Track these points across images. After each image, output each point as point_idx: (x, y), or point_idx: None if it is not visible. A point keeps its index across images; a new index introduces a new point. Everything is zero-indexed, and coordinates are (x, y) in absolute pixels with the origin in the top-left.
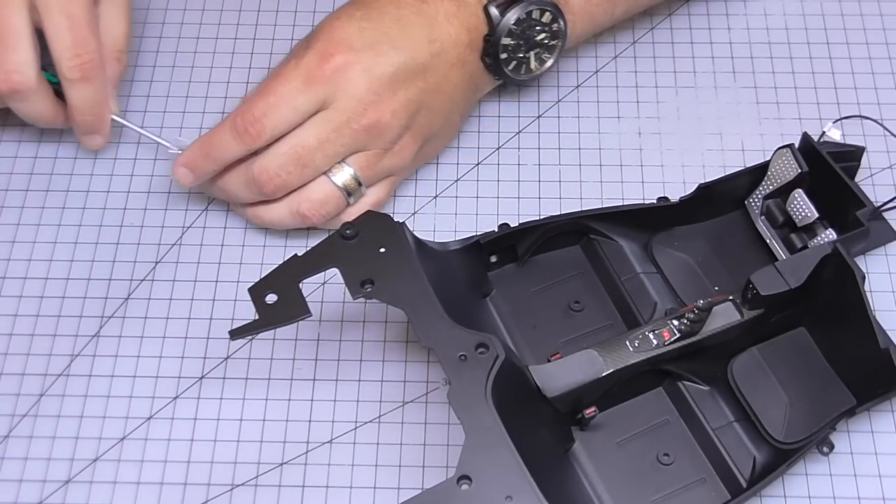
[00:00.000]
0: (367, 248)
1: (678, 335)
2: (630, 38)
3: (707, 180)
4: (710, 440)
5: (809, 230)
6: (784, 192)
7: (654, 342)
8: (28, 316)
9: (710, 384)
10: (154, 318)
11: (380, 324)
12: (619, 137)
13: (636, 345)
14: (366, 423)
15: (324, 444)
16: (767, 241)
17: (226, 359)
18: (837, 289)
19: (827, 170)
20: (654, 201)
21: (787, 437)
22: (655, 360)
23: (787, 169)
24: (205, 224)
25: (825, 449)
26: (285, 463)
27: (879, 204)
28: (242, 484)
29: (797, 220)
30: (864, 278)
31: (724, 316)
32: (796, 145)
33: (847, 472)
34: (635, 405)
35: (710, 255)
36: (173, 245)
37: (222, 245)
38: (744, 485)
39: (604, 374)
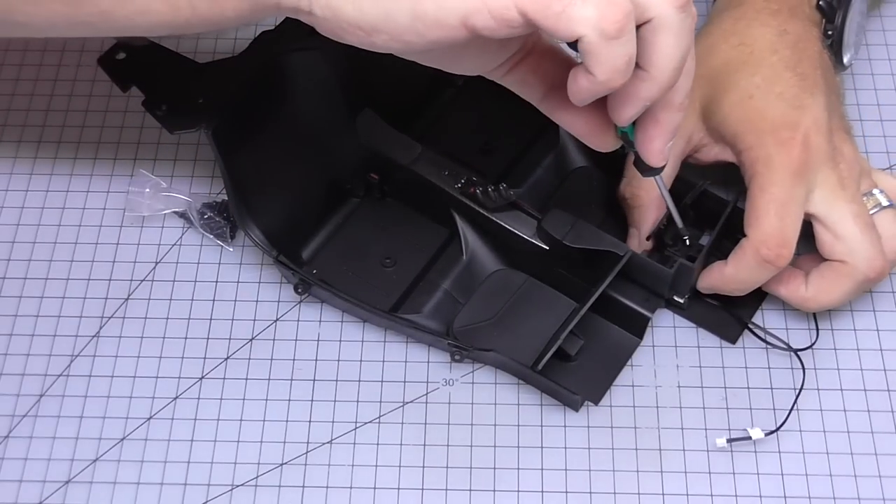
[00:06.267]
0: None
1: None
2: None
3: None
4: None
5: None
6: None
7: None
8: (28, 316)
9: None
10: (154, 318)
11: None
12: None
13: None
14: (366, 423)
15: (324, 444)
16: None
17: (226, 359)
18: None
19: None
20: None
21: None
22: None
23: None
24: None
25: None
26: (285, 463)
27: None
28: (242, 484)
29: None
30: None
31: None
32: None
33: (847, 472)
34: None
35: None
36: (173, 245)
37: (222, 246)
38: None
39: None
